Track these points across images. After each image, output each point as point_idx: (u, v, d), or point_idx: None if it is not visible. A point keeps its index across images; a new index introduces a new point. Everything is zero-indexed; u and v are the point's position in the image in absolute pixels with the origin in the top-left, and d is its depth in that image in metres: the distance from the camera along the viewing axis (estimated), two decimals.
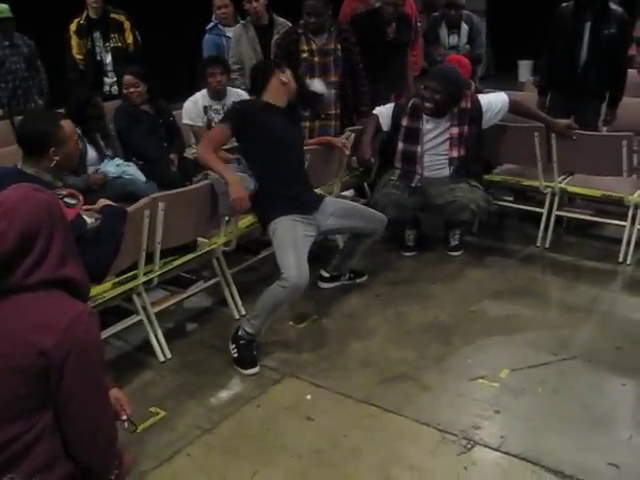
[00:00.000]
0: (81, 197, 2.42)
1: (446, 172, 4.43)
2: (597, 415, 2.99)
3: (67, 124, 2.87)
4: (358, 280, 4.31)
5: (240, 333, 3.47)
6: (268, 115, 3.62)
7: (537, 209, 4.78)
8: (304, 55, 4.65)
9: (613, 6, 4.74)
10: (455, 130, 4.38)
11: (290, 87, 3.71)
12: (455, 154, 4.40)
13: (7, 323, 1.63)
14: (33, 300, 1.66)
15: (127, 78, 4.66)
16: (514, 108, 4.49)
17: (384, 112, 4.54)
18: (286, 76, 3.69)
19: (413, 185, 4.43)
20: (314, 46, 4.67)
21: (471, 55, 5.56)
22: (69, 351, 1.61)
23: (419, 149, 4.41)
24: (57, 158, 2.77)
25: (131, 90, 4.63)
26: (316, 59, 4.67)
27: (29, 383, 1.61)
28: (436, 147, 4.41)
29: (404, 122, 4.43)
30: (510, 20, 6.16)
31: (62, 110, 4.07)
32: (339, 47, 4.70)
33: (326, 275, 4.22)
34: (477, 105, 4.43)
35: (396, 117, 4.48)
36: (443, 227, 4.83)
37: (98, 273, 2.80)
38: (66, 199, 2.45)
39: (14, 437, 1.62)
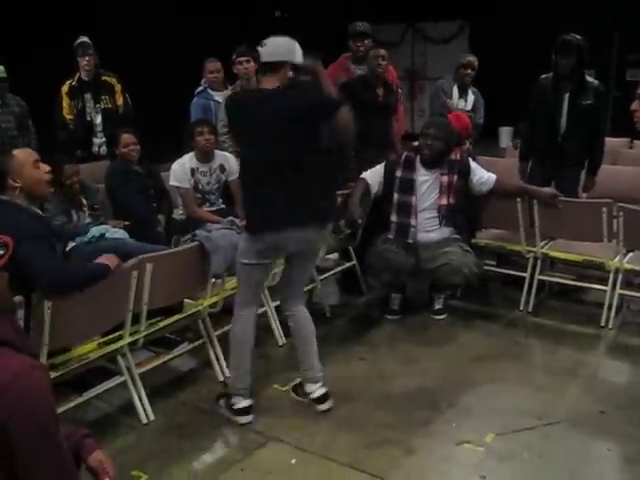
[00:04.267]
0: (11, 245, 2.43)
1: (438, 234, 4.52)
2: None
3: (20, 152, 3.19)
4: (316, 404, 3.58)
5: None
6: None
7: (520, 273, 4.84)
8: None
9: (589, 79, 4.93)
10: (445, 178, 4.53)
11: None
12: (444, 202, 4.52)
13: None
14: None
15: (126, 137, 4.72)
16: (499, 187, 4.60)
17: (374, 172, 4.65)
18: None
19: (409, 241, 4.49)
20: None
21: (472, 122, 5.82)
22: (10, 414, 1.55)
23: (414, 199, 4.52)
24: (18, 184, 3.05)
25: (131, 148, 4.71)
26: None
27: None
28: (429, 200, 4.54)
29: (398, 173, 4.57)
30: (491, 88, 6.38)
31: None
32: None
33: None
34: (466, 161, 4.60)
35: (389, 171, 4.62)
36: (427, 291, 4.87)
37: (50, 279, 2.91)
38: None
39: None
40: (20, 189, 3.07)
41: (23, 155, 3.19)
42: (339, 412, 3.57)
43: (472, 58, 5.95)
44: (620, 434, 3.30)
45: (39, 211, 3.25)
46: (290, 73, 3.30)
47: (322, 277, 4.87)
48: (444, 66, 8.91)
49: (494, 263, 5.17)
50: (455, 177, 4.54)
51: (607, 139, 5.20)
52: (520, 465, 3.10)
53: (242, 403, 3.49)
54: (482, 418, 3.49)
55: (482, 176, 4.60)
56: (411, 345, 4.34)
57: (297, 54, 3.31)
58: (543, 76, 5.03)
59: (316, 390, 3.56)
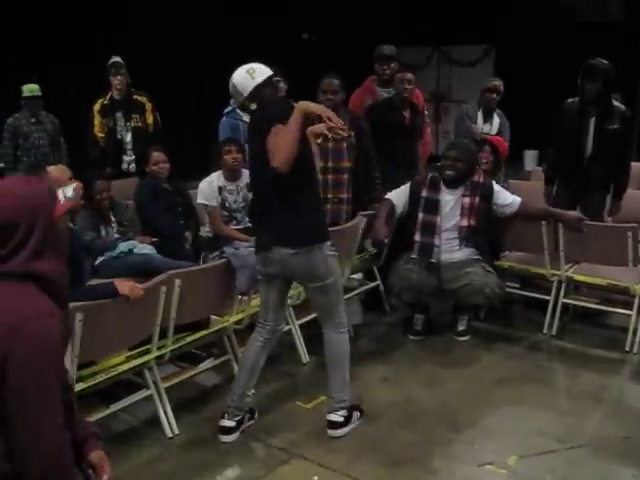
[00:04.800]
0: (79, 192, 2.45)
1: (460, 254, 4.55)
2: None
3: (55, 169, 3.34)
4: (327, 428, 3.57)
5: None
6: None
7: (544, 296, 4.84)
8: (318, 140, 4.80)
9: (616, 103, 4.95)
10: (467, 200, 4.56)
11: None
12: (465, 223, 4.56)
13: None
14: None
15: (156, 154, 4.83)
16: (524, 210, 4.60)
17: (399, 193, 4.71)
18: None
19: (433, 260, 4.53)
20: None
21: None
22: (12, 349, 1.57)
23: (439, 219, 4.56)
24: None
25: (161, 165, 4.81)
26: (330, 144, 4.82)
27: None
28: (452, 221, 4.57)
29: (424, 193, 4.62)
30: (516, 111, 6.41)
31: None
32: (352, 134, 4.85)
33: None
34: (489, 183, 4.64)
35: (414, 191, 4.67)
36: (451, 312, 4.88)
37: None
38: (66, 189, 2.52)
39: None
40: None
41: (57, 172, 3.32)
42: (362, 431, 3.58)
43: (497, 82, 5.99)
44: None
45: (70, 224, 3.34)
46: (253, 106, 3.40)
47: (346, 297, 4.87)
48: (469, 89, 8.96)
49: (518, 285, 5.17)
50: (477, 199, 4.57)
51: (633, 164, 5.20)
52: None
53: (225, 422, 3.51)
54: (504, 440, 3.49)
55: (506, 199, 4.62)
56: (434, 366, 4.35)
57: (246, 87, 3.35)
58: (569, 100, 5.05)
59: (327, 415, 3.54)
